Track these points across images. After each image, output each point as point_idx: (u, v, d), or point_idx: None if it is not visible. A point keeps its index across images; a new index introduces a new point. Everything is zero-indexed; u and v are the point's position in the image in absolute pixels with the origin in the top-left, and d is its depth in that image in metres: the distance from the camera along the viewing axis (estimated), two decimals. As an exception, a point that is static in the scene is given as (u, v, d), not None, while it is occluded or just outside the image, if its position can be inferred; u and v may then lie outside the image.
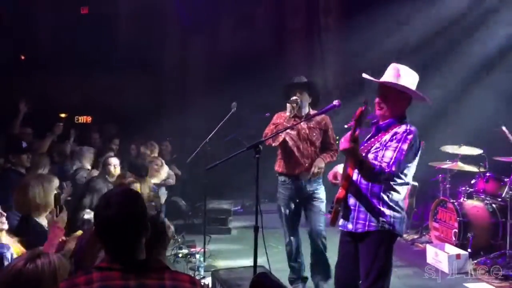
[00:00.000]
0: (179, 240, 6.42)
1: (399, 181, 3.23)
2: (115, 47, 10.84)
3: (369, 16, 8.58)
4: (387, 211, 3.22)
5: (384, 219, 3.21)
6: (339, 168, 3.45)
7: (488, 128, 6.79)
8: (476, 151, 6.24)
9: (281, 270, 5.05)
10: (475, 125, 7.04)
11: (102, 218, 1.93)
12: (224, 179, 8.64)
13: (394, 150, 3.13)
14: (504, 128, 5.91)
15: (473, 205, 6.06)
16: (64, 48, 10.48)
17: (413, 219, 7.31)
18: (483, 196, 6.15)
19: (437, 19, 7.75)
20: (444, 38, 7.75)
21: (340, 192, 3.21)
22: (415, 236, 6.78)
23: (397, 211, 3.27)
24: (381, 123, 3.33)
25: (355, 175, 3.26)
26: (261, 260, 3.70)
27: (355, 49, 9.11)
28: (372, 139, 3.31)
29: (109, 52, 10.58)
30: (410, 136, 3.17)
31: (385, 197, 3.22)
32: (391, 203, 3.24)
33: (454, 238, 5.97)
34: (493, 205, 5.98)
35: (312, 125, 4.75)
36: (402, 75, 3.27)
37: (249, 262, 4.21)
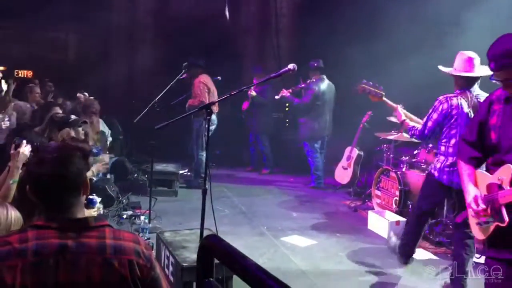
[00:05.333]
0: (124, 201, 6.32)
1: None
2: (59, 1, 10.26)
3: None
4: None
5: None
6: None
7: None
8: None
9: (227, 233, 5.09)
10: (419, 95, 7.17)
11: (35, 176, 1.80)
12: (172, 142, 8.52)
13: None
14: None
15: (414, 174, 6.27)
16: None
17: (357, 186, 7.52)
18: (424, 166, 6.35)
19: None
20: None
21: None
22: (358, 203, 6.98)
23: None
24: None
25: None
26: (208, 223, 3.69)
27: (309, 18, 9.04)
28: None
29: (53, 6, 10.01)
30: None
31: None
32: None
33: (394, 206, 6.18)
34: (433, 175, 6.20)
35: None
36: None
37: (194, 224, 4.20)
